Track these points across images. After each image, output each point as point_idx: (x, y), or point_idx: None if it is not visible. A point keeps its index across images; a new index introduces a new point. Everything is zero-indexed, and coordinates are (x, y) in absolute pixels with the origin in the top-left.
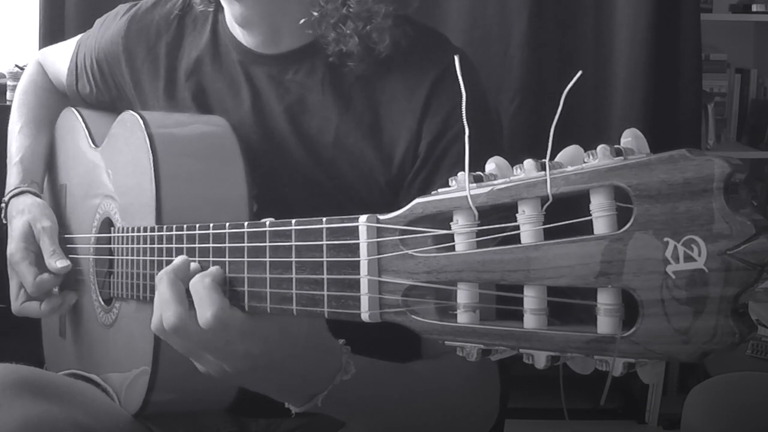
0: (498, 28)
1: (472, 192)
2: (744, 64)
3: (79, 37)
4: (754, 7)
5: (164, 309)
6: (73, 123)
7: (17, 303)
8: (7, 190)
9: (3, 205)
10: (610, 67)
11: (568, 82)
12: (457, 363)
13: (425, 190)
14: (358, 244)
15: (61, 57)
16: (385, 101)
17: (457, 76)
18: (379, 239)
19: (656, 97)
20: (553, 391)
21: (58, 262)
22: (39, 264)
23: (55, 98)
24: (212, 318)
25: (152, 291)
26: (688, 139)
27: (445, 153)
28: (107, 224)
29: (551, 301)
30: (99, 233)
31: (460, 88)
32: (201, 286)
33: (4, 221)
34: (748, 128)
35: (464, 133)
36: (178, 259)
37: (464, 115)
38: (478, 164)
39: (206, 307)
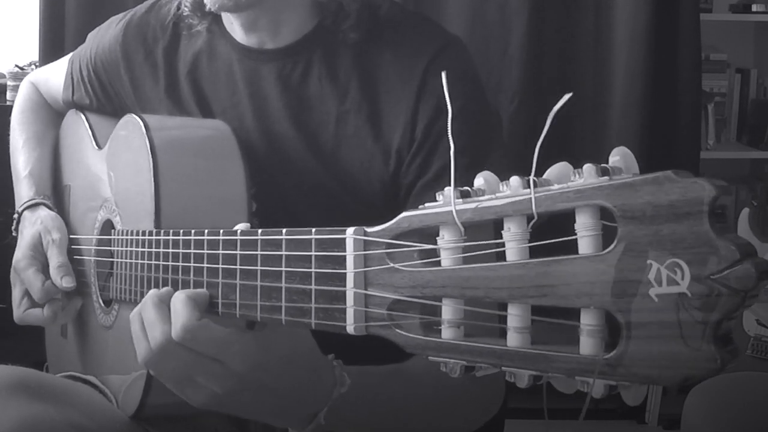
0: (498, 28)
1: (458, 207)
2: (744, 64)
3: (70, 54)
4: (754, 7)
5: (151, 330)
6: (77, 124)
7: (20, 311)
8: (19, 203)
9: (15, 216)
10: (609, 66)
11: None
12: None
13: (423, 175)
14: (345, 256)
15: (54, 75)
16: (382, 88)
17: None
18: (365, 252)
19: (656, 97)
20: (554, 390)
21: (63, 280)
22: (45, 272)
23: (52, 114)
24: (181, 329)
25: None
26: (688, 139)
27: (441, 136)
28: (108, 226)
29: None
30: (100, 235)
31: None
32: (176, 300)
33: (15, 233)
34: (748, 128)
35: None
36: (162, 291)
37: (449, 131)
38: (477, 153)
39: (177, 318)
